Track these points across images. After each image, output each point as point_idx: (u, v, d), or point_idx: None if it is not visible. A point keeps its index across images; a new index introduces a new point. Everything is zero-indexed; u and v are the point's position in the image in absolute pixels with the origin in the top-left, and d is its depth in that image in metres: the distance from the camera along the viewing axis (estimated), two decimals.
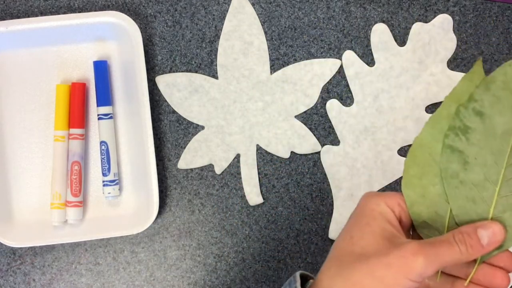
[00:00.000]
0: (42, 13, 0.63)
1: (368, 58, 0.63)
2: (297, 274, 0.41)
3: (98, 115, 0.61)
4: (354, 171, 0.62)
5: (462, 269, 0.42)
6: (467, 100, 0.39)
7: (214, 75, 0.63)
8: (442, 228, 0.41)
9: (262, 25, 0.63)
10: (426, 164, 0.41)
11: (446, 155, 0.39)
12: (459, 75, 0.62)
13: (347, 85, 0.63)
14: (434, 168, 0.40)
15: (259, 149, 0.63)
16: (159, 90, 0.63)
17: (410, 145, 0.62)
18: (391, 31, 0.62)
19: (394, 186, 0.63)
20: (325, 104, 0.63)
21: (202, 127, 0.63)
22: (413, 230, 0.43)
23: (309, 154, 0.63)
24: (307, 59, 0.63)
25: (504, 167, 0.38)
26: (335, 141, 0.63)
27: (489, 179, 0.38)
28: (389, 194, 0.41)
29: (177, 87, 0.63)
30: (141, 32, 0.60)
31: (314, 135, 0.63)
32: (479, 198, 0.39)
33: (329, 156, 0.63)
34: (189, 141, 0.63)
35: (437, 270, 0.38)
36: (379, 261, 0.38)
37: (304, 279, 0.42)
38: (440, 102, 0.63)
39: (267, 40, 0.63)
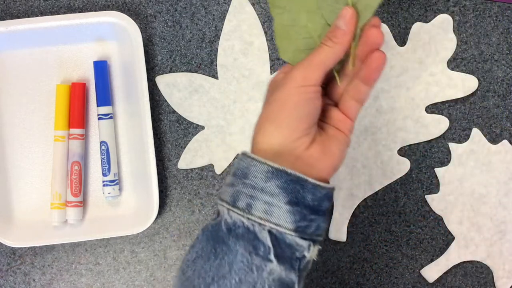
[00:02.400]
0: (42, 13, 0.63)
1: None
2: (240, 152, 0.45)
3: (98, 115, 0.61)
4: (354, 171, 0.62)
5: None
6: None
7: (214, 75, 0.63)
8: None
9: (262, 25, 0.63)
10: (286, 31, 0.48)
11: None
12: (459, 75, 0.62)
13: None
14: (291, 29, 0.48)
15: None
16: (159, 90, 0.63)
17: (410, 145, 0.62)
18: (391, 31, 0.62)
19: (395, 186, 0.63)
20: None
21: (202, 127, 0.63)
22: None
23: None
24: None
25: None
26: None
27: None
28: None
29: (177, 87, 0.63)
30: (141, 32, 0.60)
31: None
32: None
33: None
34: (189, 141, 0.63)
35: (322, 72, 0.44)
36: (273, 91, 0.45)
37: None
38: (440, 102, 0.63)
39: (267, 40, 0.63)
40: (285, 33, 0.48)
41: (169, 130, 0.63)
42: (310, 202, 0.42)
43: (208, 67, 0.63)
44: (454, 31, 0.62)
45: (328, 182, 0.45)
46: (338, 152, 0.45)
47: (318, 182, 0.42)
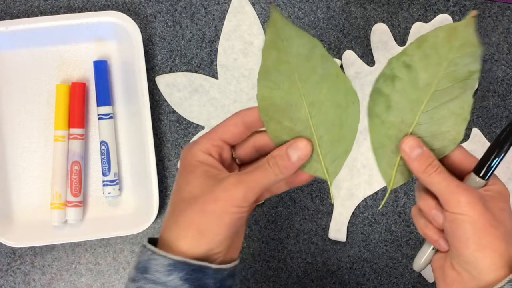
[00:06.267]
0: (42, 13, 0.63)
1: (368, 58, 0.63)
2: (145, 240, 0.43)
3: (98, 115, 0.61)
4: (354, 171, 0.62)
5: None
6: (399, 53, 0.44)
7: (214, 75, 0.63)
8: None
9: (262, 25, 0.63)
10: (276, 112, 0.44)
11: (373, 96, 0.45)
12: None
13: None
14: (284, 113, 0.43)
15: None
16: (159, 90, 0.63)
17: None
18: (391, 31, 0.62)
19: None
20: None
21: (202, 127, 0.63)
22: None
23: None
24: None
25: (418, 114, 0.44)
26: None
27: (405, 122, 0.44)
28: (202, 141, 0.44)
29: (177, 87, 0.63)
30: (141, 32, 0.60)
31: None
32: (394, 136, 0.44)
33: None
34: (189, 141, 0.63)
35: (260, 193, 0.42)
36: (207, 198, 0.41)
37: (155, 241, 0.44)
38: None
39: None
40: (273, 111, 0.44)
41: (169, 130, 0.63)
42: (212, 286, 0.42)
43: (208, 67, 0.63)
44: None
45: (236, 257, 0.44)
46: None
47: (220, 266, 0.42)
